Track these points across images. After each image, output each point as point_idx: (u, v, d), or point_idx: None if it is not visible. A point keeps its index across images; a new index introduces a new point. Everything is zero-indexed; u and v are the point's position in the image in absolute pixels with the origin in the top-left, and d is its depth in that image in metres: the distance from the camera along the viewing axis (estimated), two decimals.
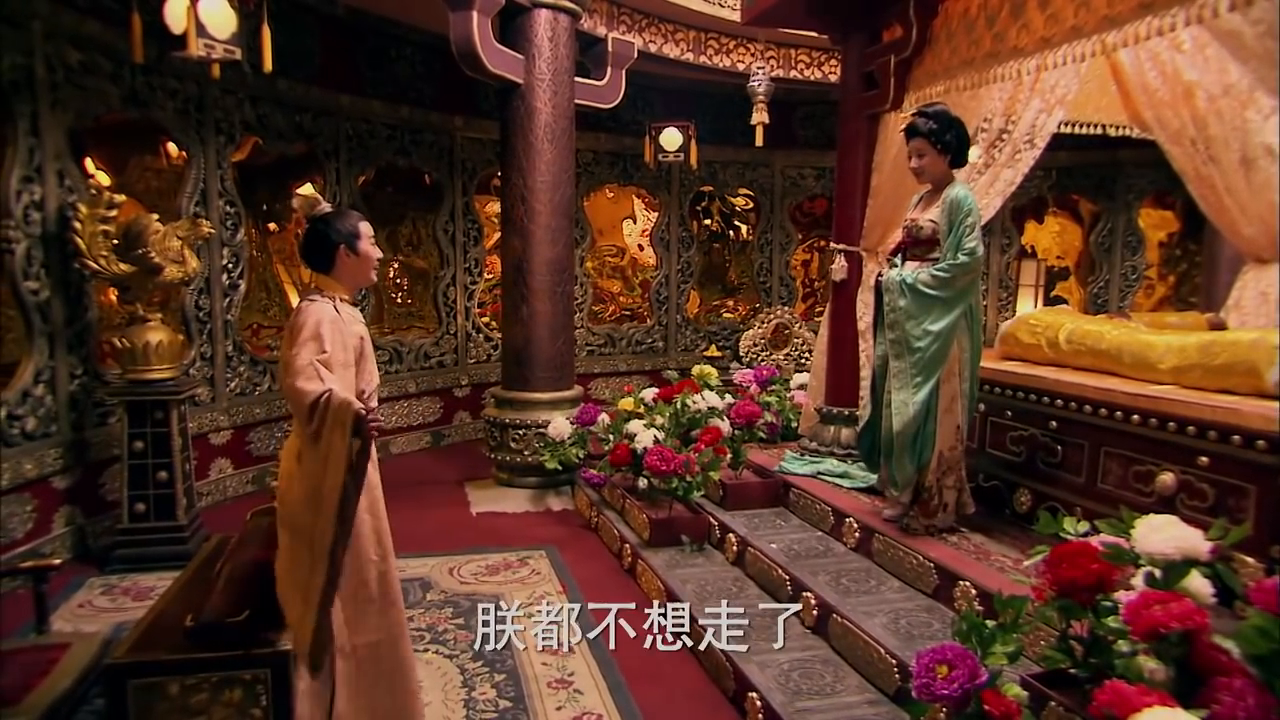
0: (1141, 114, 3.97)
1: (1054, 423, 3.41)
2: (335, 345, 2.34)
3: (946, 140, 3.32)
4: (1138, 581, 1.92)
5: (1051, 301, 8.89)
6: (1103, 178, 8.64)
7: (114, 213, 4.22)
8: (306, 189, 6.38)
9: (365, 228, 2.52)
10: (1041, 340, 3.75)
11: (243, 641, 2.33)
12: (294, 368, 2.28)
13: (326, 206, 2.52)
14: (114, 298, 5.01)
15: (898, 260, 3.65)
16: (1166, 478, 2.86)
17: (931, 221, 3.40)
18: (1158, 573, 1.90)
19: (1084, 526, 2.17)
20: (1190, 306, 7.41)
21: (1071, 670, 1.99)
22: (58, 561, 2.91)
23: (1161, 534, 1.94)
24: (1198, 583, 1.87)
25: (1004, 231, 8.83)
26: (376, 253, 2.57)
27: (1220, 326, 3.76)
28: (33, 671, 2.35)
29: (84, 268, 4.20)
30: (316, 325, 2.36)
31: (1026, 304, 8.81)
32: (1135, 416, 2.99)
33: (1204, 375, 2.94)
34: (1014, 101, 4.03)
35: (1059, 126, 4.05)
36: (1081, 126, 4.95)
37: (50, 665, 2.40)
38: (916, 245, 3.52)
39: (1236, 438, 2.62)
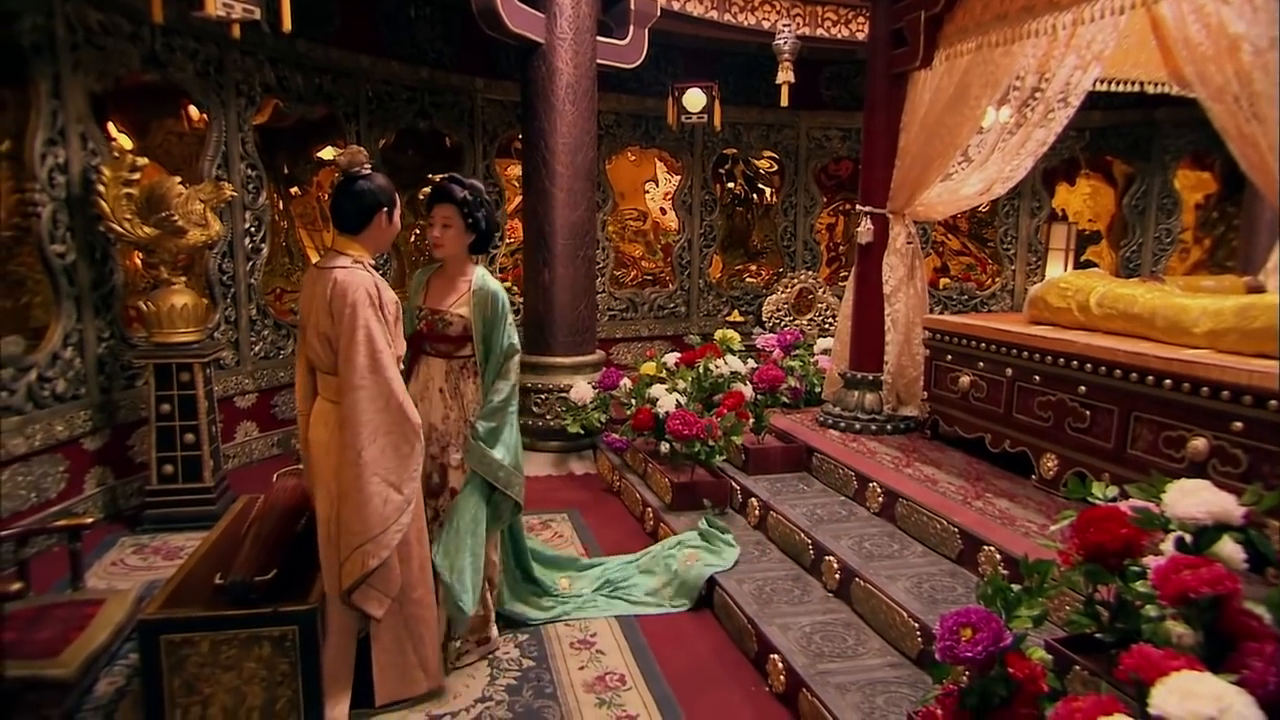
0: (1182, 70, 3.81)
1: (1083, 388, 3.35)
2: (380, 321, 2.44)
3: (477, 218, 2.94)
4: (1167, 547, 1.89)
5: (1082, 266, 8.69)
6: (1138, 138, 8.40)
7: (137, 176, 4.23)
8: (328, 151, 6.37)
9: (397, 198, 2.56)
10: (1072, 304, 3.68)
11: (270, 599, 2.38)
12: (386, 379, 2.41)
13: (369, 167, 2.52)
14: (139, 261, 5.04)
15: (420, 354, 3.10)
16: (1198, 443, 2.81)
17: (460, 316, 2.97)
18: (1188, 537, 1.86)
19: (1112, 491, 2.14)
20: (1226, 271, 7.22)
21: (1097, 635, 1.97)
22: (90, 520, 2.97)
23: (1193, 498, 1.90)
24: (1229, 548, 1.83)
25: (1034, 195, 8.63)
26: (399, 226, 2.62)
27: (1259, 290, 3.66)
28: (70, 625, 2.42)
29: (109, 231, 4.23)
30: (368, 302, 2.38)
31: (1056, 269, 8.60)
32: (1168, 381, 2.93)
33: (1240, 339, 2.87)
34: (1048, 58, 3.90)
35: (1094, 84, 3.92)
36: (1117, 84, 4.79)
37: (86, 620, 2.46)
38: (441, 341, 3.02)
39: (1273, 402, 2.56)
